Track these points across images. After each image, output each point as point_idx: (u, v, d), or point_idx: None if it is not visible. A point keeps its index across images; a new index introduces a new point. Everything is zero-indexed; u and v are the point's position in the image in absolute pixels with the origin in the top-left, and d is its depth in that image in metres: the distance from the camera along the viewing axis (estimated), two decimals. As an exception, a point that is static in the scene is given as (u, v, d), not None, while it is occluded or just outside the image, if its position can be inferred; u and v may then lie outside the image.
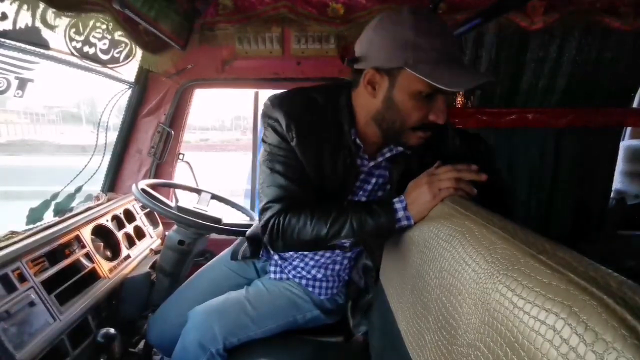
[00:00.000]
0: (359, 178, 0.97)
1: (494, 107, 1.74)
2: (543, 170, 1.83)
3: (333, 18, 1.56)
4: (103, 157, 1.64)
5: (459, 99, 1.79)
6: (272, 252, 1.17)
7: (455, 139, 0.98)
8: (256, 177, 1.82)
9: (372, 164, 0.97)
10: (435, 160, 0.86)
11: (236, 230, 1.24)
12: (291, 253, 1.13)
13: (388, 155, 0.96)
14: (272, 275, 1.17)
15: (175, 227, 1.28)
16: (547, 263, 0.43)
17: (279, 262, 1.17)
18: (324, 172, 0.92)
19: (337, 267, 1.15)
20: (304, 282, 1.14)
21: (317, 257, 1.12)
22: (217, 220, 1.31)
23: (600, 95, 1.75)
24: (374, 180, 1.00)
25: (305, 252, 1.11)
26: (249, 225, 1.37)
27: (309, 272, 1.14)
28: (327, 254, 1.11)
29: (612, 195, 2.02)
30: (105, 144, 1.64)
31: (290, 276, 1.16)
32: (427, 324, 0.63)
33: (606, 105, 1.76)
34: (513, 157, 1.83)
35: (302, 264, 1.14)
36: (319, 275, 1.14)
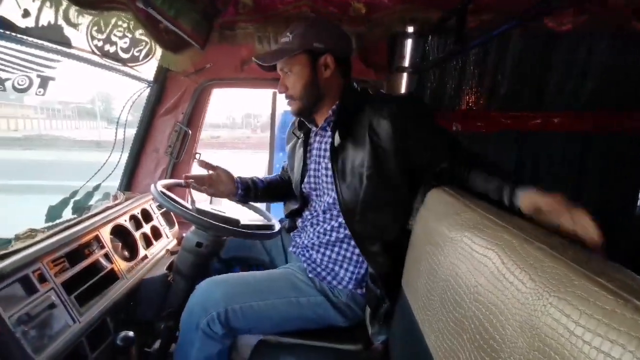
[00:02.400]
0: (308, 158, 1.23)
1: (519, 111, 1.69)
2: (567, 176, 1.77)
3: (354, 18, 1.53)
4: (121, 154, 1.64)
5: (472, 99, 1.74)
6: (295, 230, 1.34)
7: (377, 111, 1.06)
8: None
9: (315, 130, 1.22)
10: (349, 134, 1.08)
11: (255, 234, 1.22)
12: (303, 239, 1.26)
13: (320, 124, 1.19)
14: (291, 249, 1.30)
15: (192, 228, 1.27)
16: (608, 287, 0.40)
17: (297, 238, 1.30)
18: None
19: (340, 258, 1.18)
20: (305, 265, 1.20)
21: (323, 247, 1.20)
22: (236, 222, 1.29)
23: (630, 98, 1.69)
24: (314, 151, 1.22)
25: (314, 242, 1.21)
26: (267, 227, 1.35)
27: (315, 256, 1.20)
28: (333, 247, 1.19)
29: (640, 202, 1.95)
30: (124, 141, 1.63)
31: (299, 251, 1.25)
32: (461, 342, 0.60)
33: (636, 109, 1.69)
34: (537, 161, 1.78)
35: (310, 245, 1.22)
36: (324, 262, 1.19)
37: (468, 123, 1.69)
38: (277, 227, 1.33)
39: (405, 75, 1.69)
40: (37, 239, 0.97)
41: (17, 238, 1.07)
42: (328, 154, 1.12)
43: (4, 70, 0.98)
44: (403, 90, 1.70)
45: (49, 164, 10.91)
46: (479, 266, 0.58)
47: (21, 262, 0.85)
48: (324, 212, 1.20)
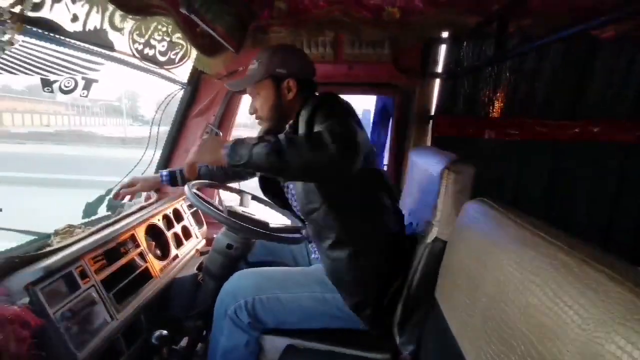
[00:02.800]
0: None
1: (556, 119, 1.63)
2: (606, 188, 1.70)
3: (388, 22, 1.52)
4: (154, 152, 1.67)
5: (507, 105, 1.69)
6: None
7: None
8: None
9: None
10: None
11: (286, 237, 1.23)
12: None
13: None
14: (313, 255, 1.36)
15: (223, 230, 1.28)
16: None
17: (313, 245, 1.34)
18: None
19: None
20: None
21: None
22: (266, 225, 1.31)
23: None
24: None
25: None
26: (296, 230, 1.36)
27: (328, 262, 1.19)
28: None
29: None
30: (157, 139, 1.66)
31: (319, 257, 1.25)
32: (508, 362, 0.58)
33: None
34: (573, 171, 1.71)
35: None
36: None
37: (502, 130, 1.64)
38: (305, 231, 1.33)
39: (438, 81, 1.66)
40: (78, 236, 1.01)
41: (57, 233, 1.10)
42: None
43: (52, 73, 1.02)
44: (435, 96, 1.68)
45: (80, 159, 11.30)
46: (530, 286, 0.56)
47: (65, 260, 0.88)
48: None
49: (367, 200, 1.16)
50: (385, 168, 1.98)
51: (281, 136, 0.89)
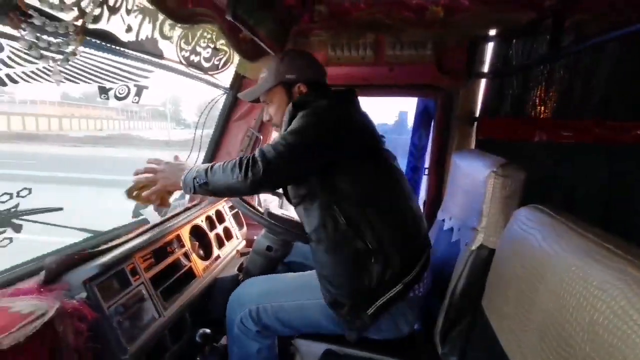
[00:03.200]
0: None
1: (616, 120, 1.50)
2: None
3: (431, 22, 1.47)
4: (198, 154, 1.72)
5: (560, 106, 1.58)
6: None
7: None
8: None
9: None
10: None
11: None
12: None
13: None
14: None
15: (263, 232, 1.30)
16: None
17: None
18: None
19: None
20: None
21: None
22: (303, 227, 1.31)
23: None
24: None
25: None
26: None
27: None
28: None
29: None
30: (201, 141, 1.70)
31: None
32: (569, 383, 0.53)
33: None
34: (633, 174, 1.57)
35: None
36: None
37: (555, 132, 1.54)
38: None
39: (483, 81, 1.59)
40: (129, 235, 1.06)
41: (109, 232, 1.17)
42: None
43: (108, 81, 1.08)
44: (480, 97, 1.61)
45: (129, 161, 11.98)
46: (595, 302, 0.52)
47: (118, 257, 0.93)
48: None
49: (346, 197, 1.04)
50: (426, 172, 1.93)
51: (216, 165, 0.99)
